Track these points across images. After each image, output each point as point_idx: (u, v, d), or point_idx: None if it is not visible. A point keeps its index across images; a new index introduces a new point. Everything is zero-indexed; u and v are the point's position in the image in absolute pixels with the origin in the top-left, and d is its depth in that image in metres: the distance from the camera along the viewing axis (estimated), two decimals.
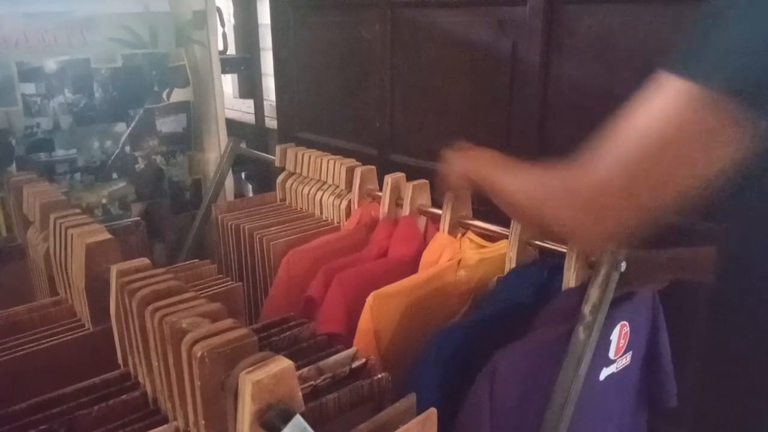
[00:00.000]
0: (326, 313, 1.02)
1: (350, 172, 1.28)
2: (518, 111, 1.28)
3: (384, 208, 1.20)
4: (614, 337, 0.93)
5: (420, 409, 0.73)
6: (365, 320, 0.93)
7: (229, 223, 1.35)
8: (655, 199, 0.61)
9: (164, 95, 1.78)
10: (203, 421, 0.60)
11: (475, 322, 0.90)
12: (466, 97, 1.45)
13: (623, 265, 0.84)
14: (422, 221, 1.16)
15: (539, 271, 0.93)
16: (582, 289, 0.86)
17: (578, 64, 1.21)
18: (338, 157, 1.36)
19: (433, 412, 0.71)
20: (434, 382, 0.84)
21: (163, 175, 1.81)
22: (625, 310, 0.93)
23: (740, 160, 0.57)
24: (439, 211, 1.09)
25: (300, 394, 0.56)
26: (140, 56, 1.71)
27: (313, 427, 0.55)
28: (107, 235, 0.90)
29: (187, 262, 1.08)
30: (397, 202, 1.19)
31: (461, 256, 1.04)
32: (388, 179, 1.19)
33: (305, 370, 0.75)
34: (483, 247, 1.05)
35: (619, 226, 0.66)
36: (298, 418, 0.53)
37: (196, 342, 0.58)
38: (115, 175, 1.72)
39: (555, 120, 1.26)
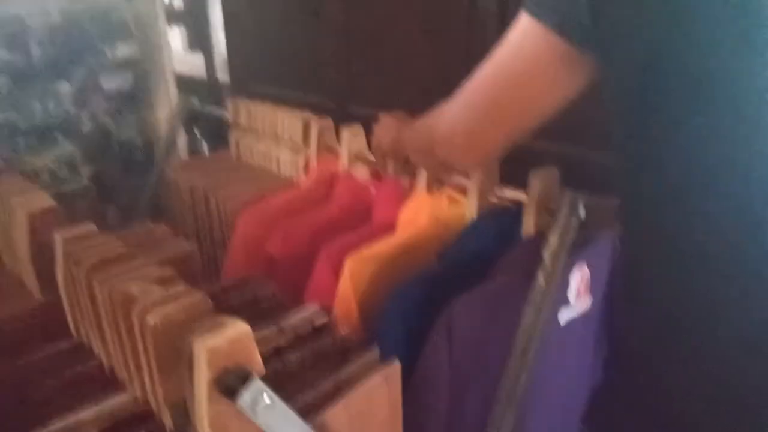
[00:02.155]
0: (316, 286, 1.00)
1: (307, 126, 1.25)
2: (476, 58, 1.26)
3: (343, 162, 1.17)
4: (574, 281, 0.94)
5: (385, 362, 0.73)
6: (345, 285, 0.92)
7: (184, 184, 1.31)
8: (499, 132, 0.71)
9: (108, 51, 1.69)
10: (160, 389, 0.58)
11: (435, 274, 0.90)
12: (424, 45, 1.41)
13: (582, 212, 0.84)
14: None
15: (499, 220, 0.93)
16: (541, 237, 0.86)
17: None
18: (294, 110, 1.32)
19: (396, 366, 0.71)
20: (398, 335, 0.84)
21: (112, 136, 1.73)
22: (584, 255, 0.93)
23: (573, 98, 0.64)
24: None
25: (258, 357, 0.54)
26: (79, 10, 1.61)
27: (277, 387, 0.54)
28: (50, 202, 0.86)
29: (140, 226, 1.04)
30: (356, 155, 1.17)
31: (439, 214, 1.02)
32: (346, 132, 1.16)
33: (267, 330, 0.74)
34: (461, 203, 1.03)
35: (472, 160, 0.79)
36: (257, 382, 0.51)
37: (147, 310, 0.56)
38: (60, 138, 1.64)
39: None
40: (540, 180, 0.87)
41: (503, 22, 1.22)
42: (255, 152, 1.37)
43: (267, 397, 0.52)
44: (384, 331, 0.85)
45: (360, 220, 1.08)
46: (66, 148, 1.65)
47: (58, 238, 0.73)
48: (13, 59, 1.53)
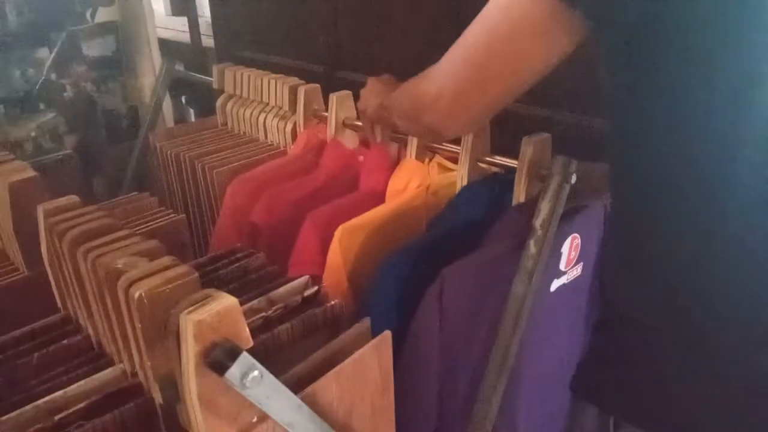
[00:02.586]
0: (301, 255, 0.98)
1: (293, 92, 1.22)
2: (466, 20, 1.23)
3: (331, 129, 1.15)
4: (565, 248, 0.94)
5: (376, 332, 0.73)
6: (334, 254, 0.91)
7: (169, 152, 1.29)
8: (487, 95, 0.69)
9: (88, 15, 1.64)
10: (149, 363, 0.57)
11: (425, 242, 0.89)
12: (413, 7, 1.38)
13: (574, 177, 0.83)
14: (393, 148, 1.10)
15: (490, 187, 0.92)
16: (532, 204, 0.85)
17: None
18: (280, 76, 1.29)
19: (387, 335, 0.70)
20: (389, 304, 0.84)
21: (96, 104, 1.70)
22: (576, 222, 0.93)
23: (561, 59, 0.63)
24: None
25: (246, 330, 0.54)
26: None
27: (266, 359, 0.54)
28: (32, 173, 0.84)
29: (126, 196, 1.03)
30: (344, 122, 1.15)
31: (430, 182, 1.01)
32: (334, 98, 1.14)
33: (255, 301, 0.73)
34: (452, 170, 1.02)
35: (458, 124, 0.78)
36: (244, 355, 0.51)
37: (132, 283, 0.55)
38: (42, 106, 1.61)
39: None
40: (531, 146, 0.85)
41: None
42: (242, 119, 1.35)
43: (255, 370, 0.51)
44: (374, 300, 0.85)
45: (347, 188, 1.07)
46: (48, 116, 1.61)
47: (40, 211, 0.71)
48: None
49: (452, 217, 0.92)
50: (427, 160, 1.02)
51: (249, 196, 1.09)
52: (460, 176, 0.94)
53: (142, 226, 0.95)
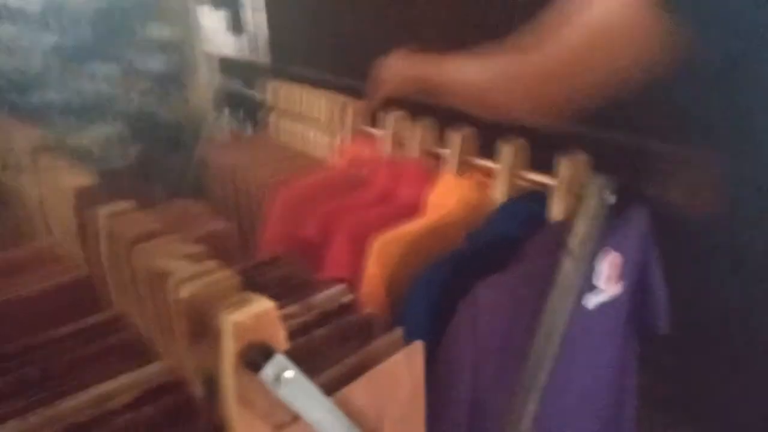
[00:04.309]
0: (333, 259, 1.02)
1: (342, 109, 1.26)
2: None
3: (386, 147, 1.17)
4: (603, 266, 0.94)
5: (410, 342, 0.75)
6: (372, 266, 0.94)
7: (221, 163, 1.35)
8: (586, 83, 0.68)
9: (148, 33, 1.74)
10: (191, 361, 0.61)
11: (462, 256, 0.91)
12: (460, 36, 1.40)
13: (612, 197, 0.84)
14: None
15: (528, 205, 0.93)
16: (569, 222, 0.86)
17: None
18: (330, 92, 1.34)
19: (419, 344, 0.72)
20: (422, 315, 0.86)
21: (156, 117, 1.79)
22: (615, 240, 0.93)
23: (654, 62, 0.63)
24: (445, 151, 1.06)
25: (282, 332, 0.57)
26: None
27: (301, 362, 0.57)
28: (95, 180, 0.90)
29: (178, 203, 1.09)
30: (395, 139, 1.17)
31: (467, 197, 1.03)
32: (390, 117, 1.16)
33: (294, 306, 0.76)
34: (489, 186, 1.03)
35: (555, 107, 0.74)
36: (279, 356, 0.54)
37: (179, 284, 0.59)
38: (103, 118, 1.70)
39: None
40: (568, 164, 0.86)
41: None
42: (292, 133, 1.40)
43: (289, 371, 0.54)
44: (409, 311, 0.87)
45: (390, 201, 1.10)
46: (108, 127, 1.71)
47: (101, 215, 0.77)
48: (61, 41, 1.59)
49: (489, 232, 0.94)
50: (465, 175, 1.04)
51: (295, 207, 1.13)
52: (497, 193, 0.96)
53: (192, 232, 1.00)
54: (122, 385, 0.64)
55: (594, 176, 0.84)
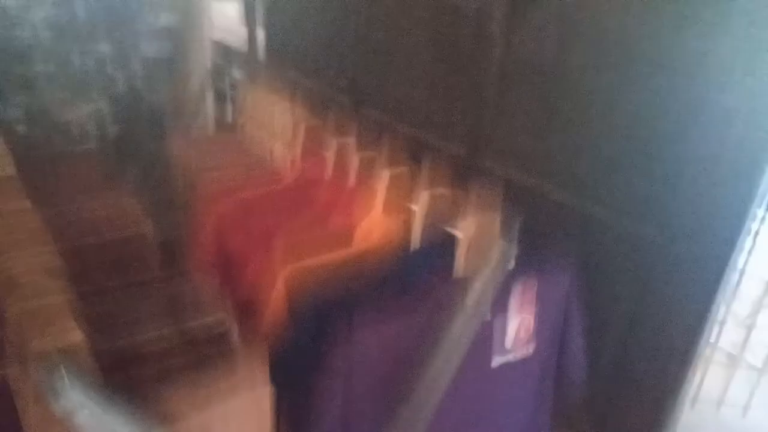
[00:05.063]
0: (250, 279, 1.01)
1: (297, 126, 1.25)
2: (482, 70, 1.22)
3: (329, 172, 1.16)
4: (512, 327, 0.92)
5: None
6: (279, 291, 0.92)
7: (182, 159, 1.36)
8: None
9: (151, 18, 1.76)
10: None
11: (359, 295, 0.89)
12: (433, 57, 1.38)
13: (512, 262, 0.81)
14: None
15: (438, 253, 0.91)
16: (469, 280, 0.83)
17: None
18: (296, 105, 1.33)
19: (266, 390, 0.72)
20: (302, 347, 0.84)
21: (143, 101, 1.81)
22: (529, 300, 0.91)
23: None
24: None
25: (91, 364, 0.57)
26: None
27: (148, 387, 0.56)
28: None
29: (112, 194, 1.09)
30: (338, 164, 1.15)
31: (390, 237, 1.01)
32: (334, 143, 1.14)
33: (167, 329, 0.76)
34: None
35: None
36: (76, 391, 0.54)
37: (17, 300, 0.59)
38: (93, 95, 1.73)
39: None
40: (473, 221, 0.84)
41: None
42: (257, 140, 1.40)
43: (85, 408, 0.54)
44: (292, 340, 0.86)
45: (321, 226, 1.09)
46: (96, 106, 1.73)
47: None
48: (57, 14, 1.61)
49: (396, 276, 0.92)
50: (394, 214, 1.01)
51: (231, 219, 1.13)
52: (414, 237, 0.94)
53: (110, 233, 1.00)
54: None
55: (499, 239, 0.82)
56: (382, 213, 1.01)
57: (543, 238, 1.04)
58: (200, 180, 1.29)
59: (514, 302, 0.90)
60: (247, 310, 1.00)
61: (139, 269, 0.66)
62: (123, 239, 0.97)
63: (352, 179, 1.10)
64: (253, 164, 1.35)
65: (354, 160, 1.10)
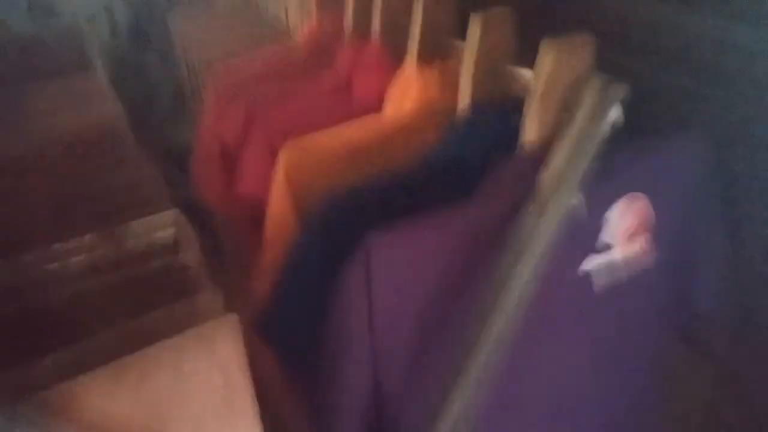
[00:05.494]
0: (248, 165, 0.77)
1: None
2: None
3: (348, 27, 0.85)
4: (614, 215, 0.60)
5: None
6: (279, 181, 0.67)
7: (188, 28, 1.10)
8: None
9: None
10: None
11: (389, 186, 0.61)
12: None
13: (618, 113, 0.50)
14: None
15: (500, 118, 0.60)
16: (549, 154, 0.53)
17: None
18: None
19: (232, 317, 0.46)
20: (312, 270, 0.58)
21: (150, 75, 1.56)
22: (638, 179, 0.60)
23: None
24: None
25: None
26: None
27: (64, 318, 0.35)
28: None
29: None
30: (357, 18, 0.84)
31: (432, 99, 0.71)
32: None
33: (96, 235, 0.52)
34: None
35: None
36: None
37: None
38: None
39: None
40: (555, 54, 0.52)
41: None
42: (272, 5, 1.11)
43: None
44: (296, 258, 0.60)
45: (340, 95, 0.80)
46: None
47: None
48: None
49: (438, 156, 0.63)
50: (431, 64, 0.70)
51: (231, 93, 0.86)
52: (461, 94, 0.63)
53: (82, 115, 0.77)
54: None
55: (594, 76, 0.50)
56: (418, 66, 0.70)
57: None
58: (204, 53, 1.03)
59: (622, 191, 0.59)
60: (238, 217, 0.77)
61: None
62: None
63: (377, 28, 0.78)
64: (266, 28, 1.07)
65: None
